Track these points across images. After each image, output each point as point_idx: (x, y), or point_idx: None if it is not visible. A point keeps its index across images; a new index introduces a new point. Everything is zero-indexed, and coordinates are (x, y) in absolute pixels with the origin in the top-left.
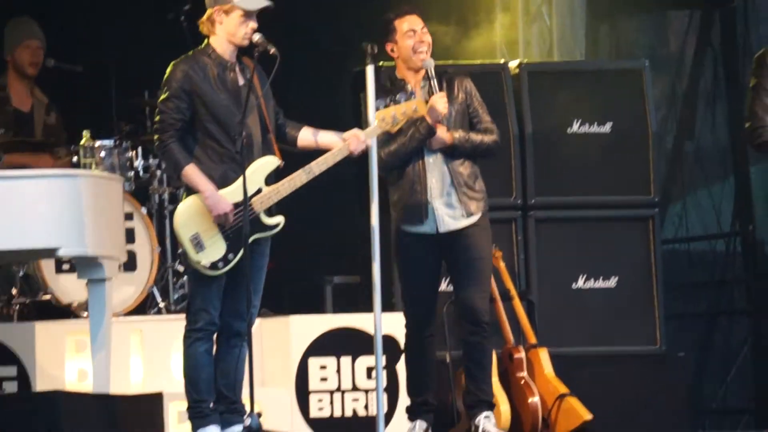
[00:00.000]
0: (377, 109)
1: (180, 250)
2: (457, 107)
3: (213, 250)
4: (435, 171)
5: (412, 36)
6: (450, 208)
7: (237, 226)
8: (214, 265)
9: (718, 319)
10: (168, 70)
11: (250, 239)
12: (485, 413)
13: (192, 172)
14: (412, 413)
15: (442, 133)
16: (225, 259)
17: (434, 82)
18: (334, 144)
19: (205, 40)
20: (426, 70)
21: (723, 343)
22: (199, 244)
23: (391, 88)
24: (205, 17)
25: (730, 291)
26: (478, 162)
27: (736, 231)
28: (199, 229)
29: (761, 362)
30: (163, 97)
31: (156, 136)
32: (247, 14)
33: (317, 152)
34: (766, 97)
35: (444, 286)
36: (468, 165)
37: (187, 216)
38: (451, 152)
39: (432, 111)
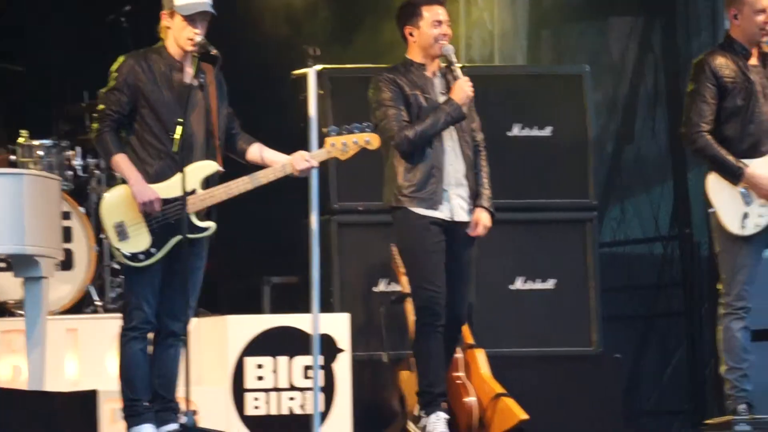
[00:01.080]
0: (329, 135)
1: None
2: None
3: (136, 241)
4: (453, 158)
5: (437, 26)
6: (462, 199)
7: (163, 221)
8: (134, 256)
9: (655, 322)
10: (117, 62)
11: (177, 238)
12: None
13: (121, 160)
14: (430, 405)
15: (485, 219)
16: (147, 252)
17: (456, 67)
18: (278, 163)
19: (161, 42)
20: (446, 56)
21: (659, 345)
22: (122, 233)
23: (409, 69)
24: (161, 24)
25: (667, 294)
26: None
27: (674, 235)
28: (125, 218)
29: (696, 364)
30: (106, 88)
31: (93, 125)
32: (189, 19)
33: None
34: (702, 103)
35: (384, 286)
36: (474, 159)
37: (114, 203)
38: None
39: (460, 93)
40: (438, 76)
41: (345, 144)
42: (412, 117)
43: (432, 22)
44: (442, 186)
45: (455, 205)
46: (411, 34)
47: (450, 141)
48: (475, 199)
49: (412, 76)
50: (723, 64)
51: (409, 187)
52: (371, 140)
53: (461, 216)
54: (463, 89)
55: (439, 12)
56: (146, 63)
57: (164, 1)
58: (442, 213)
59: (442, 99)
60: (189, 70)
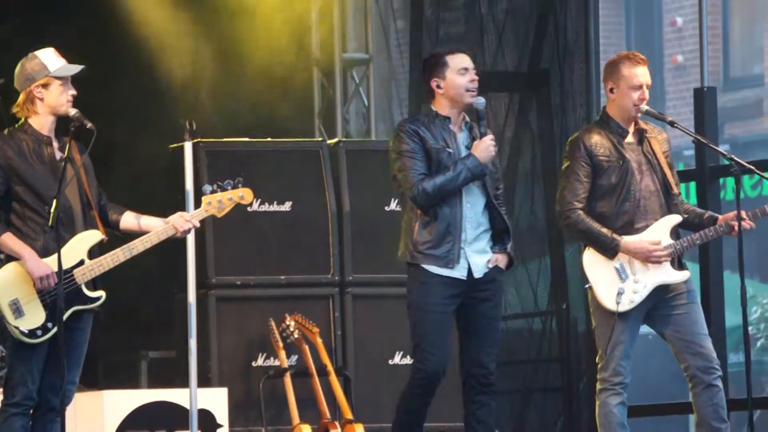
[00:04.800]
0: (204, 193)
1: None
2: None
3: (32, 317)
4: (472, 215)
5: (464, 74)
6: (482, 254)
7: (56, 295)
8: (32, 333)
9: (533, 397)
10: None
11: (71, 310)
12: None
13: (8, 240)
14: None
15: (502, 261)
16: (44, 327)
17: (484, 123)
18: (158, 227)
19: (22, 120)
20: (477, 109)
21: (538, 421)
22: (18, 310)
23: (433, 121)
24: (20, 100)
25: (545, 369)
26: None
27: (551, 310)
28: (19, 294)
29: None
30: None
31: None
32: (64, 83)
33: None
34: (576, 182)
35: (262, 361)
36: (492, 213)
37: (6, 281)
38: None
39: (484, 151)
40: (464, 131)
41: (221, 201)
42: (432, 171)
43: (458, 69)
44: (458, 244)
45: (473, 263)
46: (438, 86)
47: (470, 197)
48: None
49: (437, 128)
50: (598, 142)
51: (424, 243)
52: (245, 195)
53: (480, 273)
54: (488, 147)
55: (464, 58)
56: (13, 141)
57: (32, 74)
58: (458, 272)
59: (464, 154)
60: (56, 144)
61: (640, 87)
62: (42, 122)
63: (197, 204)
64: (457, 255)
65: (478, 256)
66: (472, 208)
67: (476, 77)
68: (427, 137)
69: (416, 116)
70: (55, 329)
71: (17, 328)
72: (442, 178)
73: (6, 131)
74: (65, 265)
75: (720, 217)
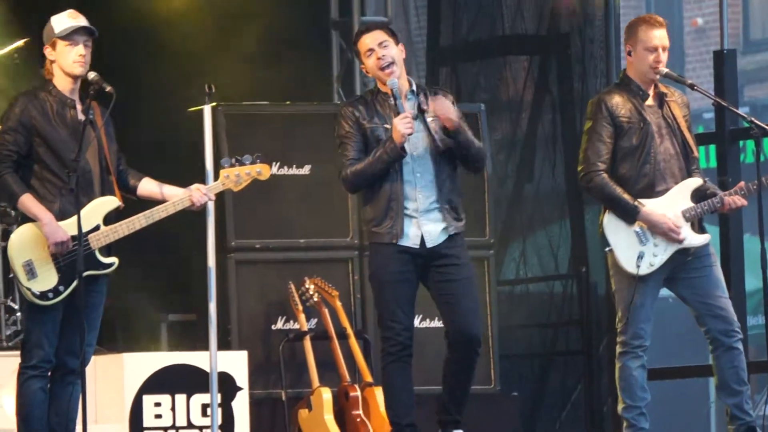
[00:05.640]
0: (223, 167)
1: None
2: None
3: (44, 280)
4: (423, 184)
5: (369, 55)
6: (438, 222)
7: (70, 258)
8: (44, 295)
9: (553, 360)
10: (8, 104)
11: (84, 275)
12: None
13: (28, 201)
14: None
15: (450, 113)
16: (56, 290)
17: (399, 102)
18: (175, 196)
19: (49, 80)
20: (392, 89)
21: (558, 384)
22: (31, 272)
23: (375, 98)
24: (46, 62)
25: (566, 332)
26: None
27: (572, 273)
28: (33, 256)
29: (594, 402)
30: (0, 129)
31: None
32: (72, 44)
33: (158, 201)
34: (599, 142)
35: (282, 324)
36: (450, 184)
37: (22, 242)
38: (442, 151)
39: (395, 131)
40: (410, 99)
41: (238, 175)
42: (370, 150)
43: (365, 52)
44: (402, 217)
45: (427, 231)
46: (367, 72)
47: (420, 166)
48: (445, 220)
49: (376, 106)
50: (619, 103)
51: (369, 221)
52: (263, 171)
53: (434, 242)
54: (398, 126)
55: (368, 38)
56: (38, 101)
57: (45, 37)
58: (409, 242)
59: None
60: (80, 107)
61: (656, 49)
62: (63, 84)
63: (216, 167)
64: (401, 229)
65: (432, 225)
66: (422, 177)
67: (383, 55)
68: (362, 117)
69: (359, 95)
70: (66, 293)
71: (29, 289)
72: (363, 163)
73: (32, 90)
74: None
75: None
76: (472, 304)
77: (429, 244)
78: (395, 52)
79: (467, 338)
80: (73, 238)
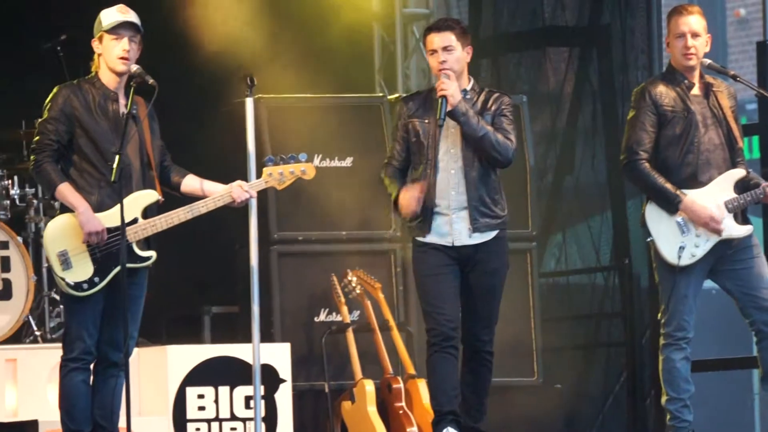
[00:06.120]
0: (266, 165)
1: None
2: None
3: (79, 270)
4: (456, 181)
5: (432, 54)
6: (462, 221)
7: (107, 250)
8: (78, 285)
9: (596, 352)
10: (52, 93)
11: (118, 268)
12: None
13: (66, 190)
14: (438, 424)
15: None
16: (91, 281)
17: (442, 110)
18: (218, 192)
19: (94, 72)
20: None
21: (600, 376)
22: (66, 262)
23: (428, 95)
24: (94, 56)
25: (608, 324)
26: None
27: (614, 265)
28: (68, 246)
29: (637, 395)
30: (43, 118)
31: (32, 156)
32: (117, 38)
33: (200, 197)
34: (642, 131)
35: (324, 316)
36: (484, 183)
37: (57, 232)
38: (474, 150)
39: (401, 205)
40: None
41: (282, 174)
42: (409, 143)
43: (429, 51)
44: (431, 214)
45: (456, 230)
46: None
47: (450, 164)
48: (473, 221)
49: (423, 102)
50: (663, 92)
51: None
52: (307, 170)
53: (459, 242)
54: (402, 203)
55: (434, 39)
56: (81, 93)
57: (94, 29)
58: (443, 240)
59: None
60: (123, 101)
61: (684, 35)
62: (107, 78)
63: (258, 160)
64: (429, 225)
65: (463, 223)
66: (455, 175)
67: (443, 60)
68: (408, 111)
69: (418, 90)
70: (102, 284)
71: (63, 279)
72: (392, 182)
73: (76, 81)
74: (117, 222)
75: None
76: (485, 313)
77: (457, 243)
78: (458, 56)
79: (474, 347)
80: (109, 230)
